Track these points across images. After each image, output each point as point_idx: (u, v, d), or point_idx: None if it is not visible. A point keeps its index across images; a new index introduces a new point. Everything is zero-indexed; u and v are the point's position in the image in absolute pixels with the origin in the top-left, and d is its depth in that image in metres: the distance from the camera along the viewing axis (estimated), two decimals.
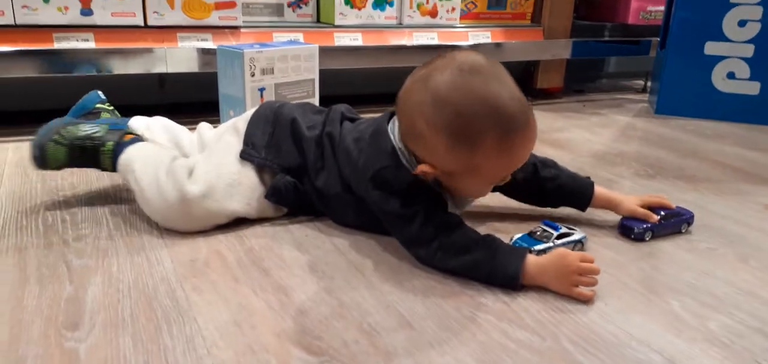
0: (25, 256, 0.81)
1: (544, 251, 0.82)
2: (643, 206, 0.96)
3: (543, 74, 2.08)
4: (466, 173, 0.78)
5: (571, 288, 0.75)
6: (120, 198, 1.03)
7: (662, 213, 0.95)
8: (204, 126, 1.10)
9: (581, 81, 2.45)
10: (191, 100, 1.61)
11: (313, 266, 0.81)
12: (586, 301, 0.75)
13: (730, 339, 0.68)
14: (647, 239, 0.93)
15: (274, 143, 0.94)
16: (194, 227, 0.89)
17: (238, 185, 0.91)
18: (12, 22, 1.32)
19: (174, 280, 0.76)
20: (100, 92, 1.14)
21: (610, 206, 0.98)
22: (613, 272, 0.82)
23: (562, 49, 2.03)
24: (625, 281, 0.80)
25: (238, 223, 0.93)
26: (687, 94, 1.88)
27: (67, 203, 1.00)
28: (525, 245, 0.83)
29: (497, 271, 0.76)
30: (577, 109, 1.96)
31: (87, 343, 0.62)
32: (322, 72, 1.44)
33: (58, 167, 0.97)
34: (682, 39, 1.85)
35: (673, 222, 0.96)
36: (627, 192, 0.95)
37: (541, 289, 0.77)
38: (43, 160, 0.95)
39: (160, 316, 0.68)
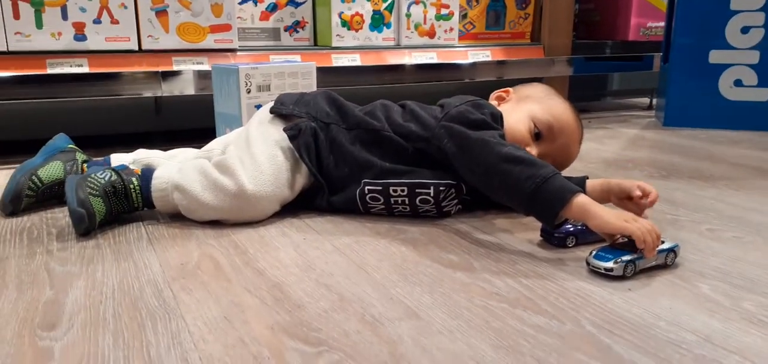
0: (5, 265, 0.76)
1: (632, 262, 0.72)
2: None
3: None
4: (528, 101, 1.01)
5: (624, 222, 0.73)
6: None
7: None
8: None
9: (585, 100, 2.42)
10: (188, 125, 1.58)
11: (312, 264, 0.76)
12: (634, 235, 0.71)
13: None
14: (570, 245, 0.82)
15: (303, 101, 1.01)
16: (258, 213, 0.91)
17: (277, 159, 0.93)
18: (5, 49, 1.30)
19: (162, 282, 0.71)
20: (66, 136, 1.10)
21: (607, 189, 0.92)
22: None
23: (564, 67, 1.99)
24: (647, 268, 0.74)
25: (231, 227, 0.88)
26: (695, 105, 1.84)
27: (55, 220, 0.95)
28: (610, 256, 0.72)
29: (555, 182, 0.77)
30: (583, 125, 1.91)
31: (63, 342, 0.57)
32: None
33: (101, 222, 0.87)
34: (686, 50, 1.82)
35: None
36: None
37: (557, 277, 0.72)
38: (91, 215, 0.84)
39: (145, 314, 0.62)
